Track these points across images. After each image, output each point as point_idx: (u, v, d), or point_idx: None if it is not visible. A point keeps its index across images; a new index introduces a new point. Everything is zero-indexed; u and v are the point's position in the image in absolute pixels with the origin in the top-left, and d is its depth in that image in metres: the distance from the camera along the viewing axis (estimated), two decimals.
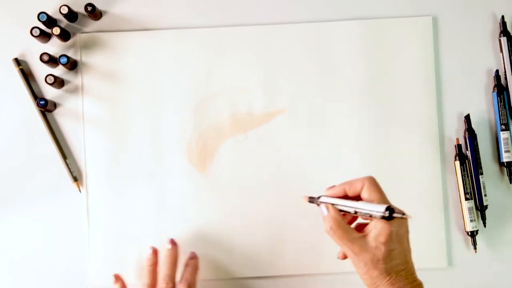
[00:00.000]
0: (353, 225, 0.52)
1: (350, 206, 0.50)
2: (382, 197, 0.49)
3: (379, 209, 0.47)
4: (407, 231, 0.50)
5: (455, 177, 0.63)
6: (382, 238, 0.47)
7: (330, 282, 0.62)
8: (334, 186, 0.52)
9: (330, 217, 0.50)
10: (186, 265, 0.60)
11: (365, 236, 0.48)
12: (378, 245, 0.47)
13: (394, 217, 0.47)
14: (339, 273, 0.62)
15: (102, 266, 0.62)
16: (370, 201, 0.49)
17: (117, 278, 0.61)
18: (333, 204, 0.51)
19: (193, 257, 0.60)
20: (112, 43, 0.63)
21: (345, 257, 0.52)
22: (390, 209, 0.47)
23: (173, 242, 0.60)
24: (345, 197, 0.51)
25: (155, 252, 0.60)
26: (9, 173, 0.62)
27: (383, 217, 0.47)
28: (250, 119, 0.63)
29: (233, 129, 0.63)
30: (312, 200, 0.54)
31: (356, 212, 0.49)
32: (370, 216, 0.48)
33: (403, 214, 0.47)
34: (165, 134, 0.63)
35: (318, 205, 0.52)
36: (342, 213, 0.51)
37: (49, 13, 0.62)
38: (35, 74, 0.63)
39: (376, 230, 0.48)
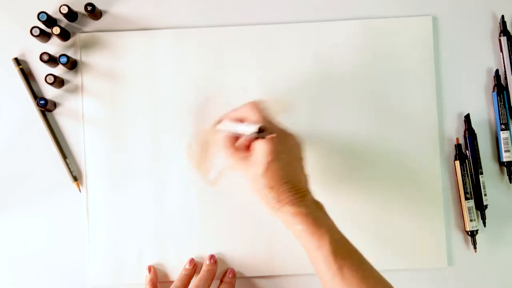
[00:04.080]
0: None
1: (235, 129, 0.53)
2: (261, 118, 0.52)
3: (252, 129, 0.50)
4: (291, 148, 0.52)
5: (455, 177, 0.63)
6: (262, 156, 0.51)
7: None
8: (225, 115, 0.56)
9: (221, 143, 0.54)
10: (223, 281, 0.61)
11: (249, 156, 0.52)
12: (259, 163, 0.51)
13: (261, 134, 0.50)
14: None
15: (102, 266, 0.62)
16: (252, 122, 0.52)
17: (149, 268, 0.61)
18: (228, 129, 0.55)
19: (233, 276, 0.61)
20: (112, 43, 0.63)
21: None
22: (259, 132, 0.49)
23: (213, 259, 0.61)
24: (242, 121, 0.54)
25: (194, 266, 0.61)
26: (9, 172, 0.62)
27: (257, 136, 0.50)
28: None
29: None
30: (217, 125, 0.57)
31: (240, 133, 0.53)
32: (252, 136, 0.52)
33: (271, 134, 0.50)
34: (165, 134, 0.63)
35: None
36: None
37: (49, 12, 0.62)
38: (35, 73, 0.63)
39: (258, 149, 0.51)
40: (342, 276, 0.48)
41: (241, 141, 0.54)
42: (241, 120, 0.54)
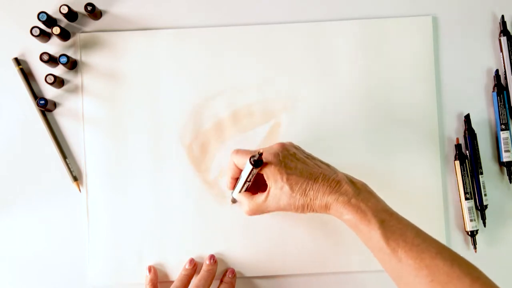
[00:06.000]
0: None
1: (242, 182, 0.53)
2: (245, 155, 0.53)
3: (249, 168, 0.50)
4: (289, 152, 0.52)
5: (455, 177, 0.63)
6: (279, 180, 0.51)
7: (330, 282, 0.62)
8: (228, 180, 0.58)
9: (244, 208, 0.55)
10: (223, 281, 0.61)
11: (269, 191, 0.52)
12: (281, 187, 0.51)
13: (260, 162, 0.50)
14: (340, 273, 0.62)
15: (102, 266, 0.62)
16: (242, 165, 0.53)
17: (149, 269, 0.61)
18: (240, 191, 0.55)
19: (233, 276, 0.61)
20: (112, 43, 0.63)
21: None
22: (252, 161, 0.49)
23: (213, 259, 0.61)
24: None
25: (194, 266, 0.61)
26: (9, 173, 0.62)
27: (258, 169, 0.50)
28: (249, 119, 0.63)
29: (233, 129, 0.63)
30: (234, 200, 0.59)
31: (250, 181, 0.53)
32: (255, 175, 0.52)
33: (259, 152, 0.49)
34: (165, 134, 0.63)
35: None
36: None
37: (49, 12, 0.62)
38: (35, 73, 0.63)
39: (270, 179, 0.51)
40: (398, 259, 0.47)
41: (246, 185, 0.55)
42: (239, 173, 0.54)
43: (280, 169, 0.50)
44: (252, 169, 0.50)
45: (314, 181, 0.50)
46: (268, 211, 0.53)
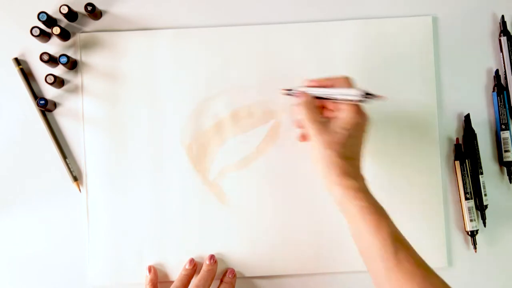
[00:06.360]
0: None
1: (324, 92, 0.53)
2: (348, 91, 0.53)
3: (355, 92, 0.50)
4: (365, 131, 0.54)
5: (455, 177, 0.64)
6: (346, 125, 0.51)
7: (330, 282, 0.62)
8: (313, 79, 0.56)
9: (302, 99, 0.54)
10: (223, 281, 0.61)
11: (329, 121, 0.52)
12: (340, 130, 0.51)
13: (367, 98, 0.50)
14: (339, 273, 0.62)
15: (102, 266, 0.62)
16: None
17: (149, 269, 0.61)
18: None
19: (233, 276, 0.61)
20: (112, 43, 0.63)
21: (304, 139, 0.56)
22: (366, 93, 0.50)
23: (213, 259, 0.61)
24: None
25: (194, 266, 0.61)
26: (9, 173, 0.62)
27: (359, 100, 0.51)
28: (250, 119, 0.63)
29: (233, 129, 0.63)
30: (289, 91, 0.56)
31: (329, 98, 0.53)
32: (342, 101, 0.52)
33: (379, 96, 0.50)
34: (165, 134, 0.63)
35: (294, 95, 0.56)
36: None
37: (49, 12, 0.62)
38: (35, 73, 0.63)
39: (342, 118, 0.52)
40: (398, 261, 0.47)
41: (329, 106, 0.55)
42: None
43: (361, 124, 0.52)
44: (358, 99, 0.51)
45: (357, 158, 0.52)
46: (309, 127, 0.52)
